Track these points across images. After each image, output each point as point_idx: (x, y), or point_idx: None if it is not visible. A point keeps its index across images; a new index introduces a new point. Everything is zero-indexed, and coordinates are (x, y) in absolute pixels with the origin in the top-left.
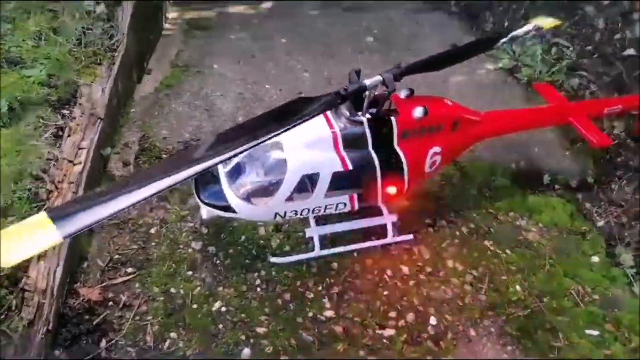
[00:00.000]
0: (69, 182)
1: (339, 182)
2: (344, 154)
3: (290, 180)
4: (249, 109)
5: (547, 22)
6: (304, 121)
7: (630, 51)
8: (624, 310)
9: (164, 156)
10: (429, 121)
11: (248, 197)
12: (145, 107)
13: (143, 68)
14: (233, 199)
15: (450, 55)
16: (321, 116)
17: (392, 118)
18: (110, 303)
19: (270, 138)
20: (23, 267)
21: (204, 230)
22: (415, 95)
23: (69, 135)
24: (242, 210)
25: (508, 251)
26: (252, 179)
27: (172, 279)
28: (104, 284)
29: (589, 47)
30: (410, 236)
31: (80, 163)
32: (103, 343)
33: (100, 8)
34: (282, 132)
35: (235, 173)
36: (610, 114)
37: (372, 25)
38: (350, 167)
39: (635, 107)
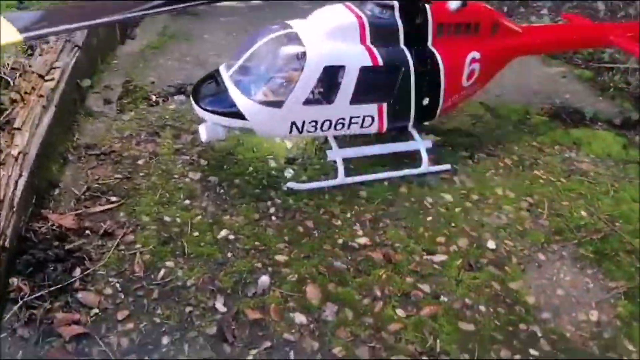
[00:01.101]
0: (38, 95)
1: (367, 85)
2: (372, 47)
3: (310, 73)
4: None
5: None
6: None
7: None
8: None
9: (153, 97)
10: (466, 17)
11: (260, 98)
12: (130, 60)
13: (126, 34)
14: (242, 101)
15: None
16: (343, 6)
17: (427, 6)
18: (88, 232)
19: None
20: None
21: (203, 162)
22: None
23: (40, 54)
24: (253, 114)
25: (563, 179)
26: (264, 75)
27: (165, 208)
28: (79, 212)
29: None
30: (448, 166)
31: (52, 79)
32: (77, 272)
33: None
34: None
35: (243, 72)
36: None
37: None
38: (381, 62)
39: None
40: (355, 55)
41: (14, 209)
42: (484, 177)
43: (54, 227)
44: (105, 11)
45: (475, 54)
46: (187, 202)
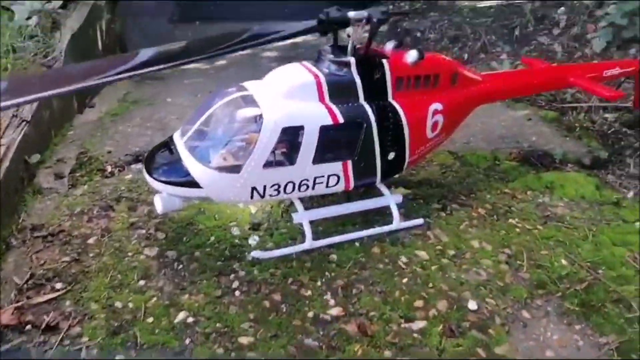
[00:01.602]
0: None
1: (328, 143)
2: (331, 105)
3: (268, 136)
4: None
5: None
6: (275, 41)
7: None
8: None
9: (108, 168)
10: (425, 69)
11: (216, 164)
12: (87, 130)
13: (84, 102)
14: (196, 168)
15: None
16: (299, 65)
17: (384, 60)
18: (29, 327)
19: (233, 51)
20: None
21: (160, 236)
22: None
23: None
24: (210, 183)
25: (539, 227)
26: (219, 140)
27: (117, 292)
28: (19, 304)
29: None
30: (421, 220)
31: None
32: None
33: (33, 21)
34: (248, 46)
35: (198, 137)
36: (611, 78)
37: None
38: (341, 119)
39: (633, 72)
40: (314, 115)
41: None
42: (459, 230)
43: None
44: (72, 78)
45: (438, 106)
46: (142, 282)
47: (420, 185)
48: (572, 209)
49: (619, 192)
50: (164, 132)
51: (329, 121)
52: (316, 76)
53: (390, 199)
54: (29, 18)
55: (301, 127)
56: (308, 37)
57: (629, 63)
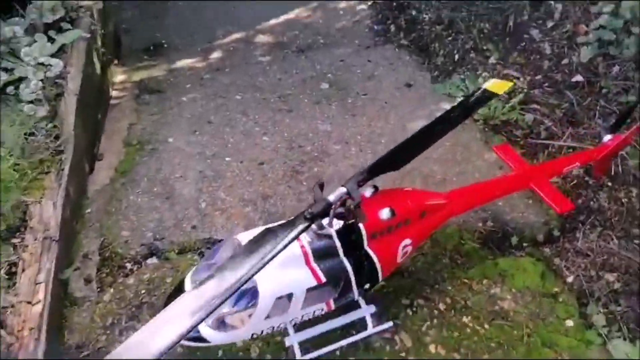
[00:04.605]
0: (29, 329)
1: (313, 295)
2: (315, 267)
3: (263, 306)
4: (211, 190)
5: (498, 86)
6: (278, 254)
7: (578, 77)
8: None
9: (128, 265)
10: (396, 220)
11: (220, 327)
12: (101, 203)
13: (94, 156)
14: (204, 330)
15: (409, 148)
16: None
17: (360, 225)
18: None
19: (247, 281)
20: None
21: (179, 350)
22: (379, 190)
23: (23, 270)
24: (216, 339)
25: (486, 326)
26: (223, 309)
27: None
28: None
29: (539, 77)
30: (390, 323)
31: (39, 302)
32: None
33: (43, 110)
34: (258, 270)
35: None
36: (569, 170)
37: (325, 69)
38: (324, 279)
39: (591, 160)
40: (301, 281)
41: None
42: (420, 332)
43: None
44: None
45: (407, 241)
46: None
47: (392, 274)
48: (517, 302)
49: (561, 278)
50: (170, 202)
51: (313, 282)
52: (302, 247)
53: (365, 310)
54: (38, 101)
55: (291, 294)
56: (301, 15)
57: (589, 156)
